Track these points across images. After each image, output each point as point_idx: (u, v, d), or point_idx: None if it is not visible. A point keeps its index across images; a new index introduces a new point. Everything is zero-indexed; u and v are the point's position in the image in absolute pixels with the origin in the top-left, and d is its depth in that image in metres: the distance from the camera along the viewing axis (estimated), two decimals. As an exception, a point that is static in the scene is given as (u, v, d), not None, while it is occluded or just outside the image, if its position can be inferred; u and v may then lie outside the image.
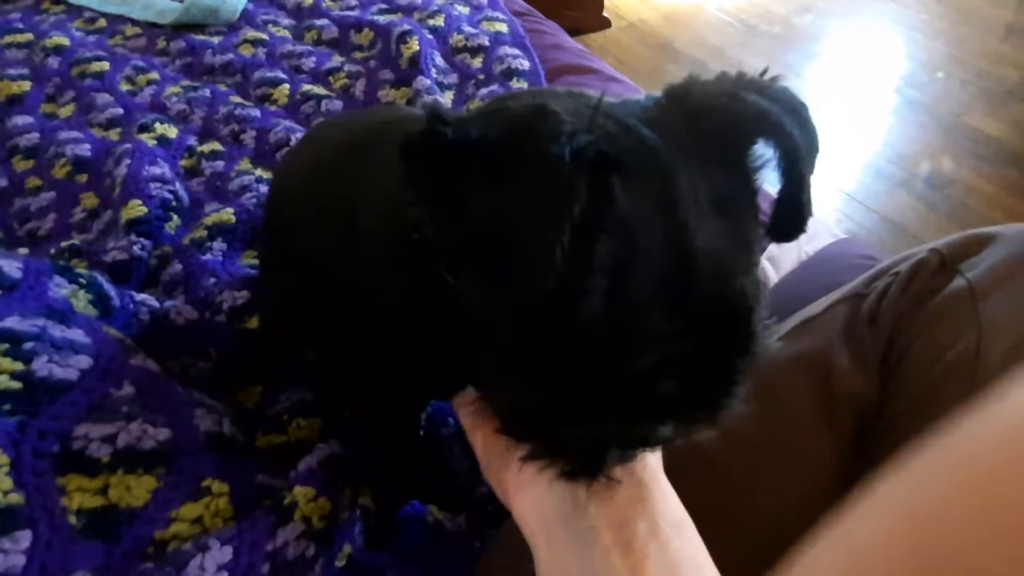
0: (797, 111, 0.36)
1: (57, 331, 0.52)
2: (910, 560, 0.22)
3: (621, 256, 0.30)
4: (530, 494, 0.39)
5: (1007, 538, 0.19)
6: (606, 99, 0.35)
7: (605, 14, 2.44)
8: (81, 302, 0.61)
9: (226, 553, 0.44)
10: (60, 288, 0.60)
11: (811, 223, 0.93)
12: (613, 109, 0.34)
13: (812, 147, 0.36)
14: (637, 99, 0.37)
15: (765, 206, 0.37)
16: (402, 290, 0.46)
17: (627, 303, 0.30)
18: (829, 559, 0.27)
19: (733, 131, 0.35)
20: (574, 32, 2.23)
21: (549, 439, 0.35)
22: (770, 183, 0.37)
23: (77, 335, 0.53)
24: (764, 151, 0.36)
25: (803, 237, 0.82)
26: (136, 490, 0.47)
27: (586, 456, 0.35)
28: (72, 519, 0.44)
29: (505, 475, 0.40)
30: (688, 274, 0.31)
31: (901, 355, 0.50)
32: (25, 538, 0.42)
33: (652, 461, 0.39)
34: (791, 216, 0.36)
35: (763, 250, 0.37)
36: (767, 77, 0.38)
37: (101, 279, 0.66)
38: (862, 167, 1.80)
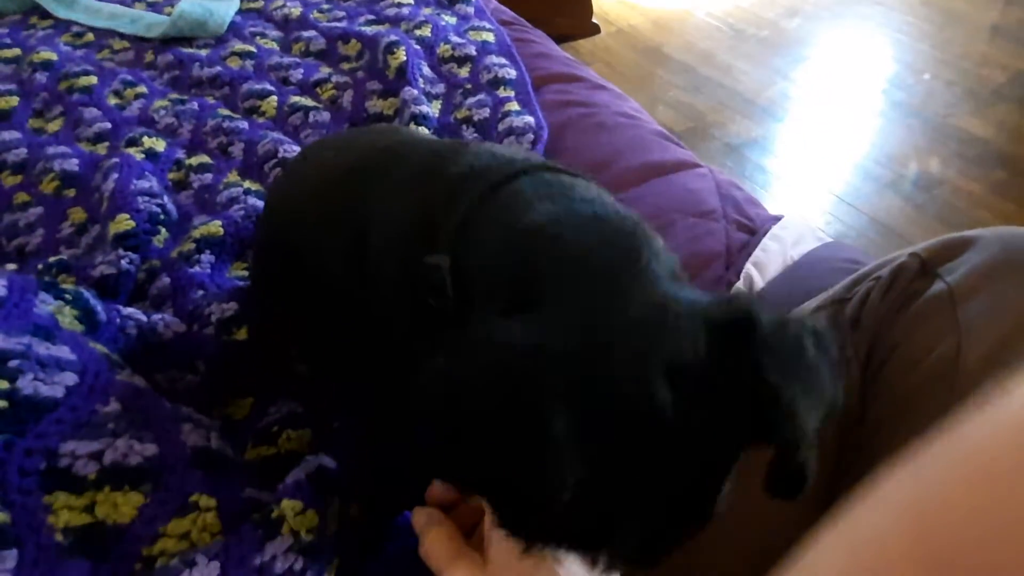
0: (826, 395, 0.37)
1: (42, 348, 0.52)
2: (910, 554, 0.22)
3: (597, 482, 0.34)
4: None
5: (1009, 533, 0.19)
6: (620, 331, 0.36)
7: (594, 20, 2.45)
8: (67, 318, 0.61)
9: (214, 568, 0.44)
10: (45, 304, 0.60)
11: (797, 225, 0.93)
12: (615, 341, 0.36)
13: (833, 401, 0.38)
14: (680, 318, 0.37)
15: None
16: (407, 320, 0.48)
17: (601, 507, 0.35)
18: (830, 557, 0.27)
19: (758, 428, 0.36)
20: (563, 39, 2.25)
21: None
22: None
23: (63, 352, 0.53)
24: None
25: (788, 240, 0.83)
26: (123, 507, 0.47)
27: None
28: (59, 537, 0.44)
29: None
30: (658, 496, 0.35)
31: (882, 360, 0.50)
32: (11, 557, 0.42)
33: None
34: (791, 480, 0.36)
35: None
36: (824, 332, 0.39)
37: (87, 294, 0.66)
38: (850, 169, 1.81)
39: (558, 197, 0.44)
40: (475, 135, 0.99)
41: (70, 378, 0.51)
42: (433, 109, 1.02)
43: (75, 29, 1.29)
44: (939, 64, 2.20)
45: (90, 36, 1.27)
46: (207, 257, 0.80)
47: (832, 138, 1.95)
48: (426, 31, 1.17)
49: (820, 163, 1.85)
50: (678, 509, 0.36)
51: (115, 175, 0.86)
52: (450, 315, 0.44)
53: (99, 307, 0.65)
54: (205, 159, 0.97)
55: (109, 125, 1.02)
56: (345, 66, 1.16)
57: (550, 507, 0.33)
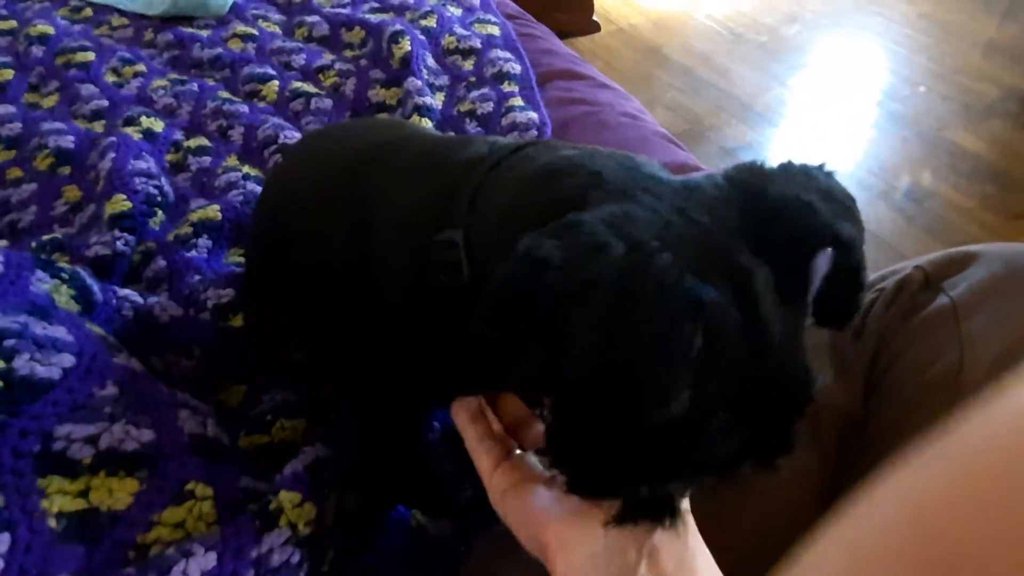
0: (853, 212, 0.38)
1: (39, 328, 0.51)
2: (909, 554, 0.22)
3: (711, 357, 0.32)
4: (575, 555, 0.38)
5: (1009, 533, 0.20)
6: (681, 202, 0.36)
7: (595, 18, 2.44)
8: (63, 297, 0.60)
9: (210, 559, 0.43)
10: (42, 283, 0.59)
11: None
12: (690, 211, 0.35)
13: (862, 243, 0.38)
14: (702, 183, 0.37)
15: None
16: (422, 316, 0.47)
17: (713, 395, 0.32)
18: (829, 557, 0.27)
19: (804, 242, 0.36)
20: (563, 35, 2.23)
21: (624, 498, 0.37)
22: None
23: (59, 332, 0.52)
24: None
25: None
26: (118, 493, 0.46)
27: (658, 507, 0.38)
28: (52, 522, 0.43)
29: (545, 534, 0.40)
30: (767, 364, 0.33)
31: (884, 371, 0.51)
32: (3, 541, 0.41)
33: (691, 520, 0.40)
34: (843, 310, 0.38)
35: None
36: (826, 171, 0.39)
37: (83, 273, 0.65)
38: (844, 178, 1.77)
39: (568, 148, 0.44)
40: (478, 129, 0.98)
41: (67, 359, 0.50)
42: (436, 101, 1.01)
43: (73, 3, 1.27)
44: (934, 77, 2.22)
45: (88, 11, 1.25)
46: (204, 241, 0.79)
47: (826, 146, 1.96)
48: (431, 22, 1.16)
49: (814, 171, 1.86)
50: (779, 396, 0.34)
51: (112, 154, 0.84)
52: (463, 291, 0.43)
53: (95, 287, 0.64)
54: (204, 142, 0.95)
55: (106, 103, 1.00)
56: (348, 53, 1.15)
57: (667, 405, 0.31)
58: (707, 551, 0.40)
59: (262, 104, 1.03)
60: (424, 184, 0.49)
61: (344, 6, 1.27)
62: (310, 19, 1.22)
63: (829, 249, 0.36)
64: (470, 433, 0.46)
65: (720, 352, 0.32)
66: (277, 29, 1.23)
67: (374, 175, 0.54)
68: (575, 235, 0.33)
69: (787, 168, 0.39)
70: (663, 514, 0.38)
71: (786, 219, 0.36)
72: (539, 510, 0.41)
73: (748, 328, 0.32)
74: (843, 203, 0.38)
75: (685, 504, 0.41)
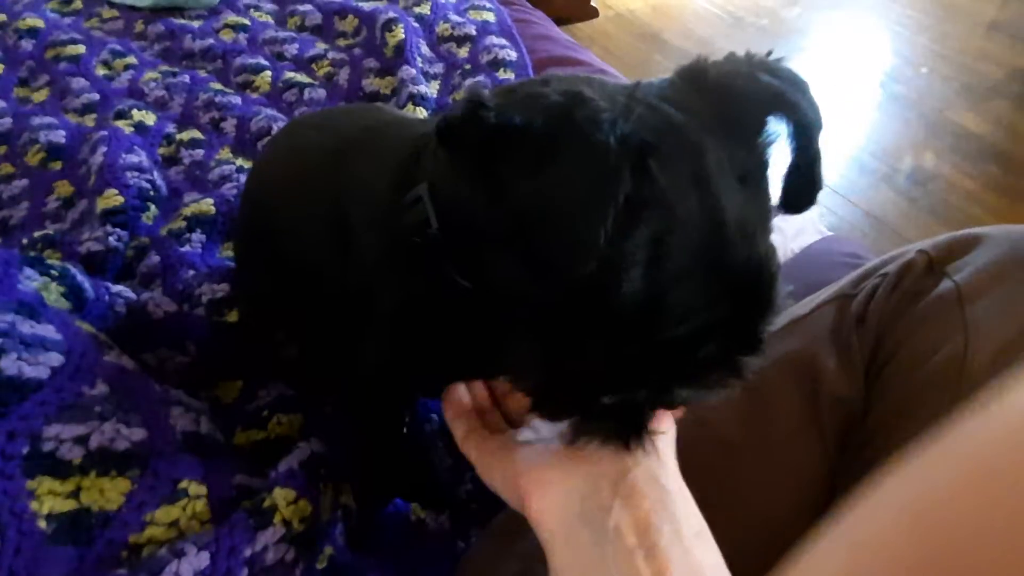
0: (804, 90, 0.38)
1: (27, 327, 0.51)
2: (912, 553, 0.22)
3: (660, 230, 0.31)
4: (551, 494, 0.38)
5: (1008, 533, 0.19)
6: (628, 82, 0.37)
7: (593, 3, 2.42)
8: (52, 295, 0.60)
9: (203, 559, 0.43)
10: (30, 280, 0.58)
11: (798, 220, 0.93)
12: (638, 92, 0.35)
13: (819, 123, 0.38)
14: (652, 81, 0.38)
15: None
16: (402, 293, 0.46)
17: (666, 274, 0.31)
18: (832, 555, 0.27)
19: (750, 110, 0.36)
20: (561, 21, 2.21)
21: (587, 410, 0.36)
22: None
23: (48, 331, 0.51)
24: (776, 129, 0.38)
25: (789, 232, 0.82)
26: (109, 493, 0.45)
27: (625, 420, 0.36)
28: (42, 524, 0.42)
29: (519, 478, 0.39)
30: (721, 243, 0.32)
31: (887, 358, 0.49)
32: (-7, 544, 0.41)
33: (674, 468, 0.39)
34: (805, 189, 0.38)
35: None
36: (772, 58, 0.39)
37: (74, 270, 0.64)
38: (846, 161, 1.80)
39: None
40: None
41: (55, 358, 0.49)
42: (431, 89, 1.00)
43: (62, -4, 1.25)
44: (937, 58, 2.19)
45: (78, 3, 1.24)
46: (198, 236, 0.78)
47: (828, 130, 1.93)
48: (425, 8, 1.14)
49: (816, 155, 1.84)
50: (741, 285, 0.33)
51: (103, 148, 0.83)
52: (439, 247, 0.41)
53: (87, 284, 0.63)
54: (196, 134, 0.94)
55: (97, 96, 0.99)
56: (342, 42, 1.13)
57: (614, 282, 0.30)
58: (692, 500, 0.38)
59: (255, 95, 1.02)
60: (388, 165, 0.48)
61: (336, -6, 1.25)
62: (302, 8, 1.20)
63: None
64: (448, 413, 0.46)
65: (662, 210, 0.31)
66: (269, 19, 1.21)
67: (348, 164, 0.53)
68: (515, 90, 0.34)
69: (730, 56, 0.39)
70: (627, 429, 0.36)
71: (730, 91, 0.36)
72: (519, 461, 0.40)
73: (700, 204, 0.32)
74: (787, 75, 0.38)
75: (670, 448, 0.40)
